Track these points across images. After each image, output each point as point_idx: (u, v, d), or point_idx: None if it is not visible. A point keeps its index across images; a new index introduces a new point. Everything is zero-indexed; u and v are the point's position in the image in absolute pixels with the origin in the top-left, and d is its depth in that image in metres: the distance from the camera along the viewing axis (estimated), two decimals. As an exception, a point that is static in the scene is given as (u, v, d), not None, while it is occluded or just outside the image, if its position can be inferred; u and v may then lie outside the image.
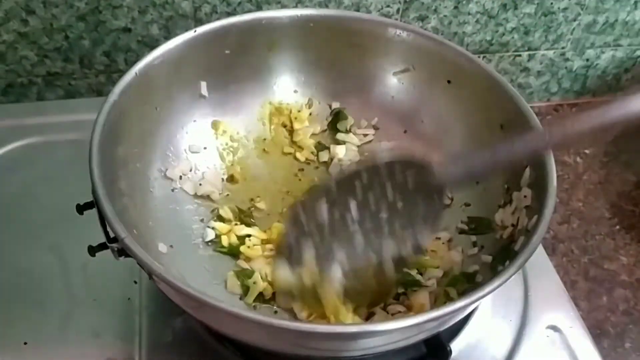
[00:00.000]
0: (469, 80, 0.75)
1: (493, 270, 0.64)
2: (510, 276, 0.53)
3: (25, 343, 0.65)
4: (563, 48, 1.05)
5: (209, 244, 0.72)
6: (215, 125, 0.79)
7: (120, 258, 0.57)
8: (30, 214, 0.77)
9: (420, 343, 0.62)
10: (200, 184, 0.76)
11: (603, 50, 1.07)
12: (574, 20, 1.01)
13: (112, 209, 0.55)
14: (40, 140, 0.85)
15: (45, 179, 0.81)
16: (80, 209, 0.61)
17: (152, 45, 0.91)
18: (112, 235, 0.56)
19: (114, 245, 0.56)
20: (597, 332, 0.80)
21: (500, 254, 0.65)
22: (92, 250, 0.59)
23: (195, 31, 0.73)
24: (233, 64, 0.78)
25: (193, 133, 0.77)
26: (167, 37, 0.89)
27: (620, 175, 1.00)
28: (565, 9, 0.99)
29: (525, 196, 0.65)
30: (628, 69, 1.11)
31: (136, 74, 0.67)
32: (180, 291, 0.50)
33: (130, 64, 0.92)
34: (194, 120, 0.78)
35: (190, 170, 0.76)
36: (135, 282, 0.70)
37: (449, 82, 0.77)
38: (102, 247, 0.59)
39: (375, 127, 0.83)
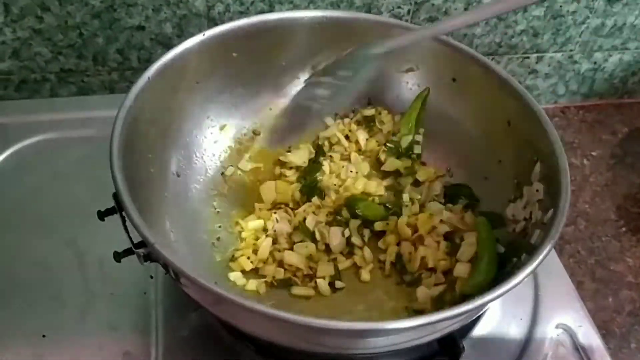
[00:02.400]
0: (474, 77, 0.75)
1: (509, 263, 0.65)
2: (535, 268, 0.54)
3: (43, 335, 0.66)
4: (571, 51, 1.05)
5: (224, 247, 0.73)
6: (224, 128, 0.80)
7: (146, 263, 0.58)
8: (45, 209, 0.77)
9: (433, 340, 0.63)
10: (212, 187, 0.77)
11: (611, 54, 1.07)
12: (583, 23, 1.01)
13: (139, 215, 0.55)
14: (53, 136, 0.86)
15: (58, 175, 0.81)
16: (102, 215, 0.61)
17: (165, 43, 0.92)
18: (135, 240, 0.57)
19: (141, 250, 0.57)
20: (603, 333, 0.80)
21: (512, 247, 0.66)
22: (118, 256, 0.59)
23: (204, 35, 0.73)
24: (241, 67, 0.78)
25: (203, 136, 0.78)
26: (180, 36, 0.91)
27: (627, 178, 1.01)
28: (574, 12, 1.00)
29: (537, 190, 0.66)
30: (635, 72, 1.11)
31: (149, 78, 0.67)
32: (213, 294, 0.51)
33: (143, 61, 0.93)
34: (204, 124, 0.78)
35: (203, 174, 0.77)
36: (152, 277, 0.71)
37: (454, 80, 0.78)
38: (127, 252, 0.59)
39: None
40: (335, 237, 0.72)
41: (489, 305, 0.58)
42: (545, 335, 0.70)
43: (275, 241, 0.73)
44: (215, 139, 0.79)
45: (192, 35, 0.74)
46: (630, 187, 0.99)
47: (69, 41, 0.90)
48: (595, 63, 1.08)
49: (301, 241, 0.73)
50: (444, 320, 0.50)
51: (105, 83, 0.96)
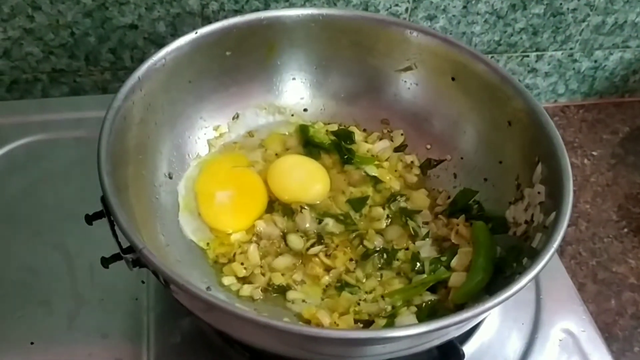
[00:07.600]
0: (473, 76, 0.74)
1: (509, 268, 0.63)
2: (537, 273, 0.52)
3: (32, 343, 0.65)
4: (571, 49, 1.04)
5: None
6: (218, 128, 0.79)
7: (135, 268, 0.56)
8: (35, 212, 0.76)
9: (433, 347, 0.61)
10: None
11: (611, 52, 1.06)
12: (583, 21, 1.00)
13: (127, 219, 0.53)
14: (45, 137, 0.85)
15: (49, 177, 0.80)
16: (89, 218, 0.60)
17: (159, 42, 0.90)
18: (124, 245, 0.55)
19: (129, 256, 0.55)
20: (606, 336, 0.79)
21: (512, 251, 0.65)
22: (106, 262, 0.58)
23: (196, 33, 0.72)
24: (234, 66, 0.77)
25: (196, 137, 0.77)
26: (174, 35, 0.90)
27: (628, 178, 1.00)
28: (574, 9, 0.98)
29: (539, 192, 0.65)
30: (636, 71, 1.10)
31: (139, 78, 0.66)
32: (205, 302, 0.49)
33: (136, 61, 0.92)
34: (197, 124, 0.77)
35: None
36: (143, 282, 0.69)
37: (453, 79, 0.77)
38: (115, 258, 0.57)
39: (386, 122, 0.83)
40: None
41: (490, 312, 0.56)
42: (548, 341, 0.69)
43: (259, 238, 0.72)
44: (210, 140, 0.78)
45: (186, 34, 0.72)
46: (631, 187, 0.98)
47: (60, 40, 0.89)
48: (595, 61, 1.07)
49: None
50: (441, 329, 0.49)
51: (98, 83, 0.95)
